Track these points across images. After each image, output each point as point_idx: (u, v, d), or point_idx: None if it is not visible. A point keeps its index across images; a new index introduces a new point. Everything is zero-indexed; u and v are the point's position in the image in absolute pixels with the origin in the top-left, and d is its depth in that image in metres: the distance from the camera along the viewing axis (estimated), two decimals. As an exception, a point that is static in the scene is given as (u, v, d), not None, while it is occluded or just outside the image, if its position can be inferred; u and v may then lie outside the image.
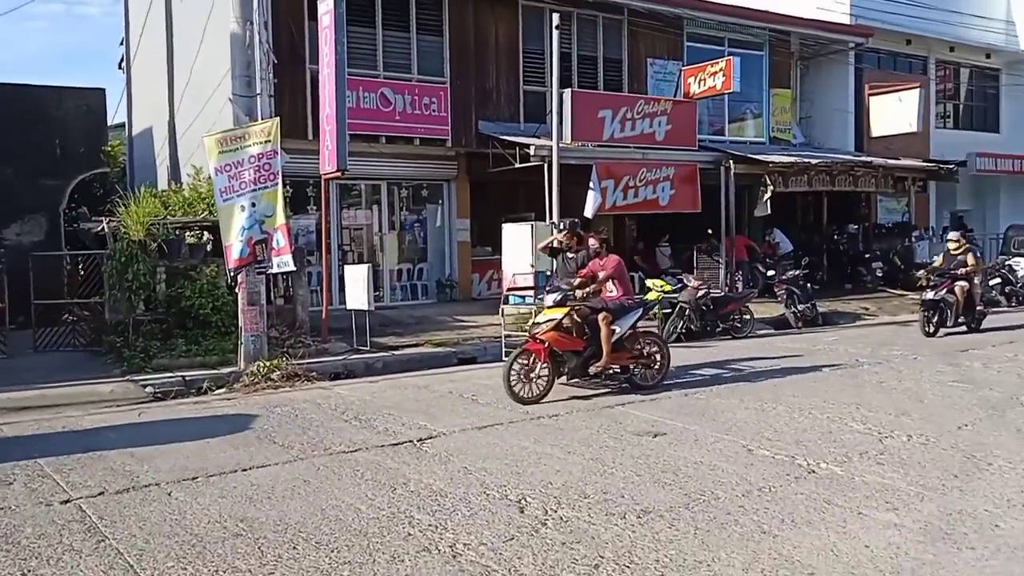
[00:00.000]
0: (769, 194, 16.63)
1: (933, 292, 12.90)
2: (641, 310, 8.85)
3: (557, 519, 4.82)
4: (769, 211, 16.92)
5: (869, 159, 18.52)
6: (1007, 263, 18.48)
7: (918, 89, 19.63)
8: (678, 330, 13.11)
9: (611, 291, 8.72)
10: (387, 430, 7.06)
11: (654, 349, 8.81)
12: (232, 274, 10.05)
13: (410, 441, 6.66)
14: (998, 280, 17.83)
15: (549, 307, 8.35)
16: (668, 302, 13.33)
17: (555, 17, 13.62)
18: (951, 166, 20.28)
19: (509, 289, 14.47)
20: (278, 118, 10.16)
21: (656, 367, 8.75)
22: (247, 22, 10.23)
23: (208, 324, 10.88)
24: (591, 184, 14.77)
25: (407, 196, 16.21)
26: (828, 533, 4.57)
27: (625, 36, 17.30)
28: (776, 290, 15.39)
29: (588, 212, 14.93)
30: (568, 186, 14.48)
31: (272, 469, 5.92)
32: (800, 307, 14.91)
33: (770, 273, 16.37)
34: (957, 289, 12.82)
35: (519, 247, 14.22)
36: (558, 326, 8.18)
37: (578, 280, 8.76)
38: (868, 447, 6.31)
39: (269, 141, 9.86)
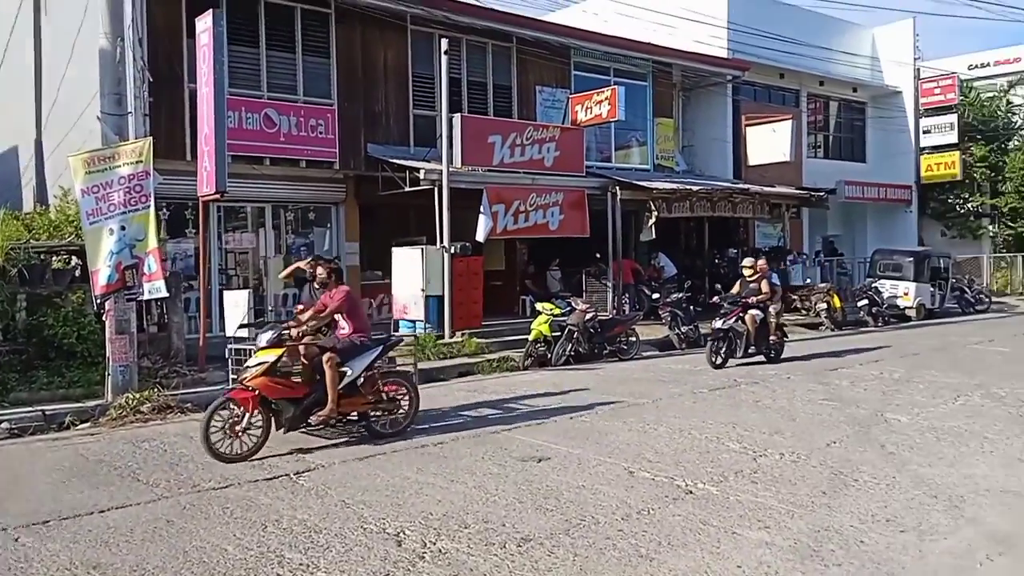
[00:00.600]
0: (654, 219, 17.08)
1: (722, 320, 12.25)
2: (379, 349, 7.69)
3: (435, 551, 4.70)
4: (654, 236, 17.39)
5: (746, 186, 19.34)
6: (873, 285, 19.65)
7: (790, 121, 20.68)
8: (567, 353, 13.23)
9: (343, 328, 7.74)
10: (262, 463, 6.77)
11: (400, 392, 7.82)
12: (99, 301, 9.49)
13: (286, 475, 6.41)
14: (865, 301, 18.93)
15: (262, 348, 7.14)
16: (557, 325, 13.46)
17: (444, 42, 13.64)
18: (821, 193, 21.43)
19: (399, 317, 14.32)
20: (151, 138, 9.73)
21: (402, 412, 7.78)
22: (117, 38, 9.77)
23: (73, 354, 10.21)
24: (482, 208, 14.79)
25: (294, 219, 15.77)
26: (703, 554, 4.64)
27: (514, 63, 17.50)
28: (661, 312, 15.79)
29: (480, 236, 14.95)
30: (460, 210, 14.48)
31: (133, 509, 5.56)
32: (684, 329, 15.35)
33: (655, 296, 16.81)
34: (748, 318, 12.16)
35: (409, 272, 14.07)
36: (270, 369, 6.99)
37: (307, 314, 7.75)
38: (743, 466, 6.49)
39: (141, 161, 9.41)
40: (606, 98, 16.48)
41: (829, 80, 26.43)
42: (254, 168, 13.89)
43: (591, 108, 16.77)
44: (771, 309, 12.40)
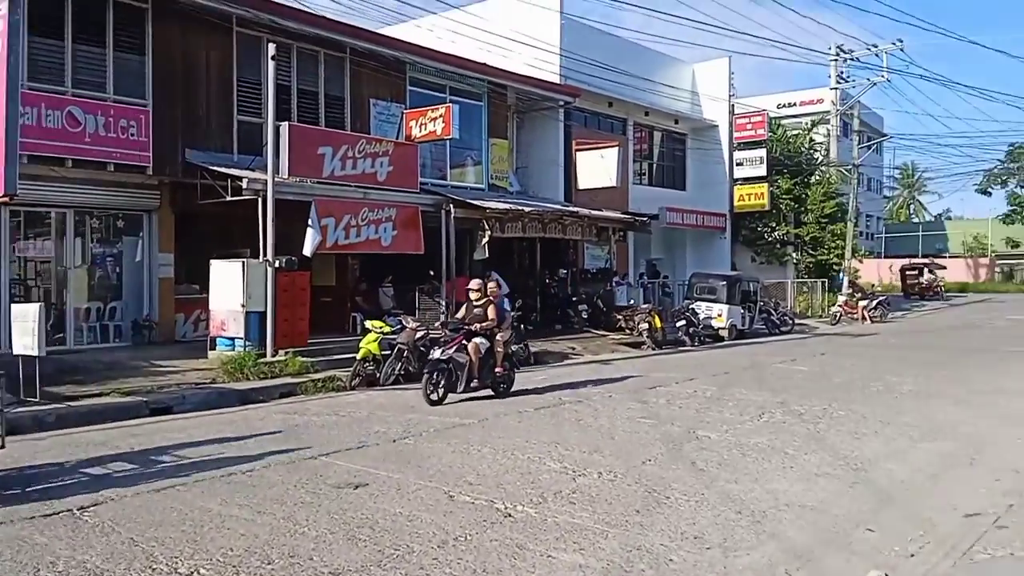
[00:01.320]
0: (487, 238, 17.20)
1: (440, 350, 10.78)
2: None
3: (232, 592, 4.33)
4: (488, 254, 17.47)
5: (575, 209, 19.89)
6: (691, 307, 20.70)
7: (617, 148, 21.53)
8: (396, 372, 12.96)
9: None
10: (44, 497, 6.06)
11: None
12: None
13: (69, 510, 5.75)
14: (684, 322, 19.91)
15: None
16: (387, 344, 13.16)
17: (271, 47, 13.09)
18: (645, 218, 22.42)
19: (216, 334, 13.50)
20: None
21: None
22: None
23: None
24: (310, 222, 14.26)
25: (101, 227, 14.59)
26: (517, 581, 4.55)
27: (348, 74, 17.12)
28: (491, 331, 15.80)
29: (307, 250, 14.39)
30: (288, 223, 13.90)
31: None
32: (513, 348, 15.42)
33: (487, 315, 16.80)
34: (471, 347, 10.73)
35: (229, 286, 13.33)
36: None
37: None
38: (562, 486, 6.50)
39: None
40: (440, 115, 16.43)
41: (653, 111, 27.84)
42: (54, 170, 12.72)
43: (425, 124, 16.66)
44: (499, 337, 11.18)
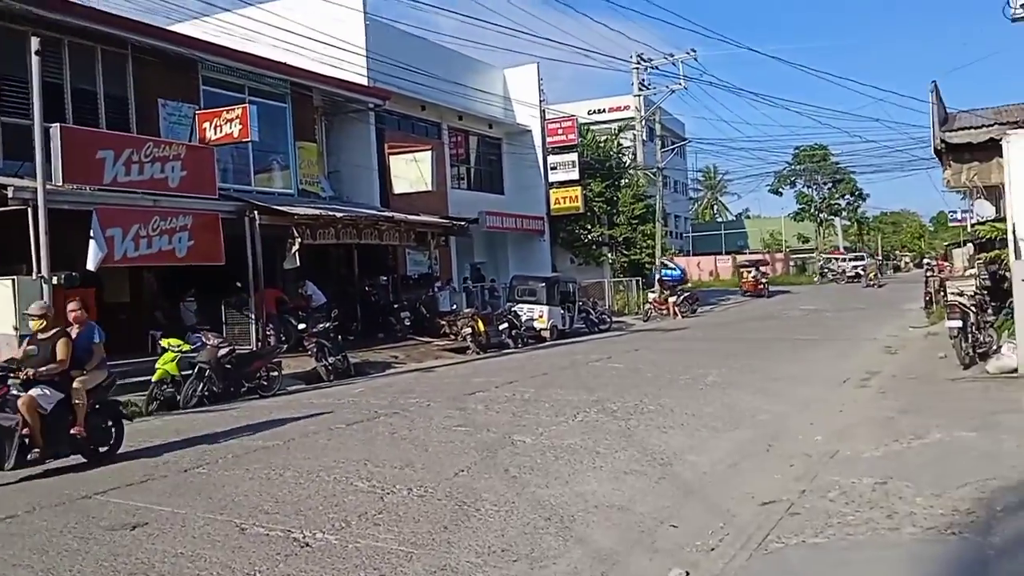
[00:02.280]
0: (297, 246, 16.37)
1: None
2: None
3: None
4: (298, 263, 16.64)
5: (391, 214, 19.45)
6: (513, 309, 20.82)
7: (430, 151, 21.31)
8: (199, 393, 12.04)
9: None
10: None
11: None
12: None
13: None
14: (506, 325, 19.97)
15: None
16: (188, 363, 12.19)
17: (35, 41, 11.70)
18: (463, 223, 22.32)
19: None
20: None
21: None
22: None
23: None
24: (92, 233, 12.93)
25: None
26: (306, 622, 4.12)
27: (131, 73, 15.74)
28: (306, 344, 15.13)
29: (91, 265, 13.03)
30: (67, 235, 12.50)
31: None
32: (331, 360, 14.85)
33: (301, 327, 16.05)
34: (23, 403, 7.40)
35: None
36: None
37: None
38: (368, 507, 6.10)
39: None
40: (237, 116, 15.46)
41: (467, 115, 27.90)
42: None
43: (221, 126, 15.61)
44: (76, 385, 7.81)
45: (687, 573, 4.66)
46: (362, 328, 19.91)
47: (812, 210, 63.55)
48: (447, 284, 23.80)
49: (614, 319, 26.33)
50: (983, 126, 13.25)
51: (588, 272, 32.32)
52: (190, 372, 12.11)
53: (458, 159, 29.41)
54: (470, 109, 27.44)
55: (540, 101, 31.12)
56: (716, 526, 5.59)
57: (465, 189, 29.29)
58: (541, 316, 21.34)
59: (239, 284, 16.19)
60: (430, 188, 21.23)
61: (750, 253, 60.65)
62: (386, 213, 19.54)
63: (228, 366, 12.53)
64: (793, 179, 62.33)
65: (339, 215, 17.41)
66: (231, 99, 17.18)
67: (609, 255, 33.18)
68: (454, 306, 21.19)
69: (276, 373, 13.23)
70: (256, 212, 15.85)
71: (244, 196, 16.90)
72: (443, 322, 19.74)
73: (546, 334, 21.18)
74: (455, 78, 25.27)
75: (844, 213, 66.28)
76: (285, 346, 15.20)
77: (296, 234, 16.34)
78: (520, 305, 21.39)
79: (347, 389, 12.90)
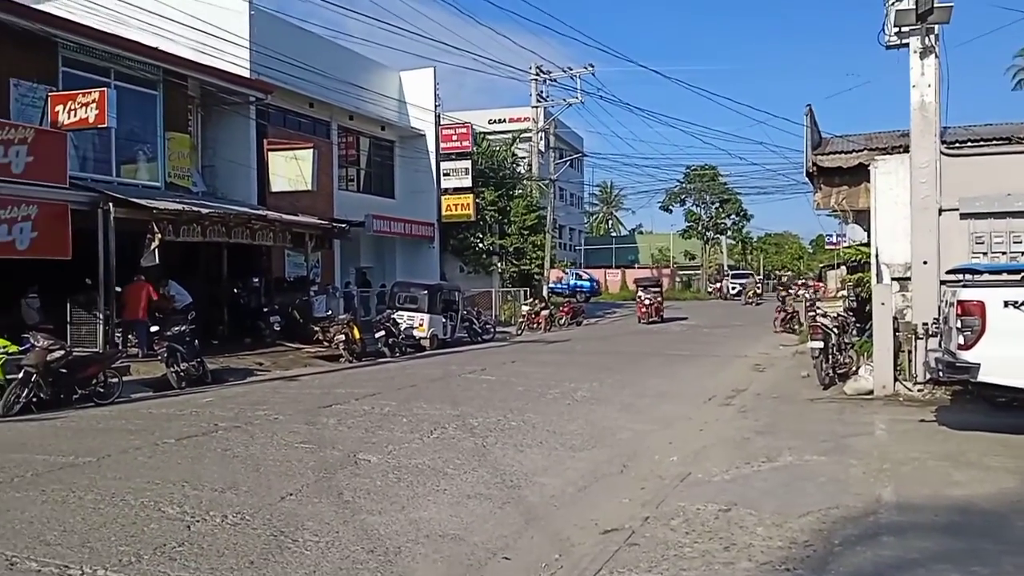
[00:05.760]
0: (157, 243, 15.29)
1: None
2: None
3: None
4: (157, 261, 15.52)
5: (265, 213, 18.50)
6: (392, 316, 20.14)
7: (312, 149, 20.44)
8: (23, 399, 10.93)
9: None
10: None
11: None
12: None
13: None
14: (383, 332, 19.29)
15: None
16: (14, 366, 11.07)
17: None
18: (344, 225, 21.54)
19: None
20: None
21: None
22: None
23: None
24: (-89, 219, 11.63)
25: None
26: None
27: (-24, 47, 14.40)
28: (156, 348, 14.10)
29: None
30: None
31: None
32: (184, 365, 13.85)
33: (154, 328, 14.95)
34: None
35: None
36: None
37: None
38: (170, 538, 5.43)
39: None
40: (93, 100, 14.30)
41: (359, 116, 27.09)
42: None
43: (75, 110, 14.41)
44: None
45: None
46: (228, 332, 18.84)
47: (700, 228, 65.34)
48: (327, 288, 22.96)
49: (499, 329, 26.02)
50: (853, 151, 13.57)
51: (477, 281, 31.98)
52: (16, 376, 11.01)
53: (347, 160, 28.55)
54: (362, 109, 26.66)
55: (436, 106, 30.61)
56: (551, 558, 5.22)
57: (354, 191, 28.46)
58: (421, 324, 20.76)
59: (88, 281, 15.01)
60: (310, 187, 20.34)
61: (639, 268, 61.85)
62: (260, 212, 18.56)
63: (62, 370, 11.45)
64: (683, 197, 63.94)
65: (205, 211, 16.37)
66: (95, 83, 15.86)
67: (499, 264, 32.96)
68: (329, 311, 20.36)
69: (116, 379, 12.18)
70: (111, 204, 14.75)
71: (103, 187, 15.69)
72: (317, 328, 18.90)
73: (426, 343, 20.60)
74: (348, 77, 24.50)
75: (730, 232, 68.45)
76: (123, 351, 14.10)
77: (156, 230, 15.28)
78: (400, 312, 20.74)
79: (196, 398, 11.99)
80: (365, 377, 15.06)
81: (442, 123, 30.82)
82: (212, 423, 9.72)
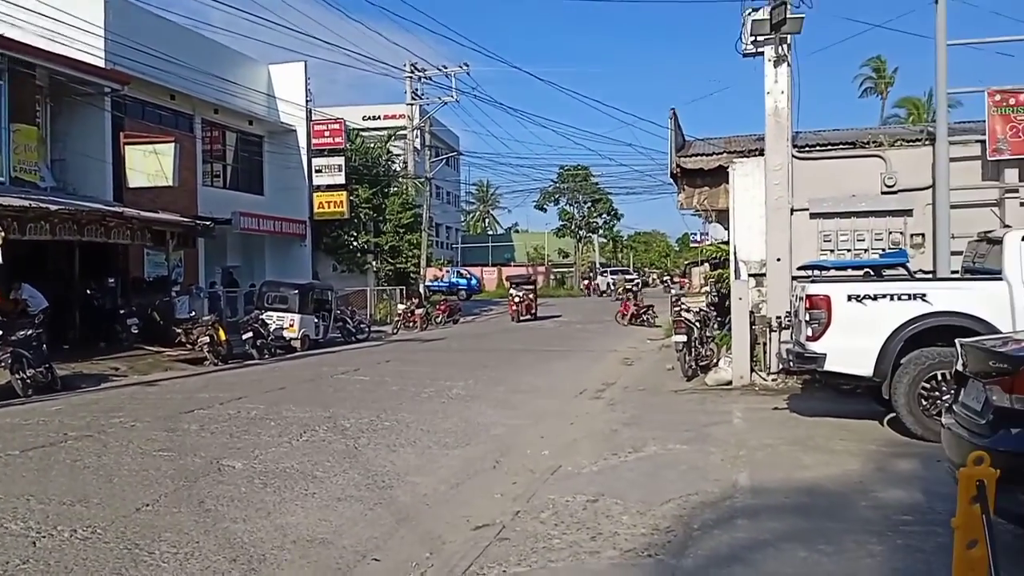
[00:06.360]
0: (0, 242, 14.19)
1: None
2: None
3: None
4: (1, 261, 14.41)
5: (121, 210, 17.49)
6: (260, 317, 19.50)
7: (173, 143, 19.53)
8: None
9: None
10: None
11: None
12: None
13: None
14: (251, 334, 18.64)
15: None
16: None
17: None
18: (208, 223, 20.68)
19: None
20: None
21: None
22: None
23: None
24: None
25: None
26: None
27: None
28: (-1, 354, 13.06)
29: None
30: None
31: None
32: (31, 372, 12.89)
33: (-2, 333, 13.84)
34: None
35: None
36: None
37: None
38: (13, 555, 5.06)
39: None
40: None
41: (225, 109, 26.13)
42: None
43: None
44: None
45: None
46: (80, 336, 17.71)
47: (573, 227, 66.76)
48: (191, 289, 21.98)
49: (374, 329, 25.72)
50: (714, 154, 14.23)
51: (352, 280, 31.45)
52: None
53: (213, 155, 27.46)
54: (228, 103, 25.70)
55: (307, 101, 29.90)
56: (422, 557, 5.19)
57: (220, 187, 27.41)
58: (292, 325, 20.20)
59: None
60: (171, 183, 19.41)
61: (515, 266, 62.57)
62: (115, 208, 17.54)
63: None
64: (557, 197, 65.13)
65: (54, 208, 15.33)
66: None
67: (374, 263, 32.54)
68: (192, 312, 19.48)
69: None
70: (-58, 199, 13.56)
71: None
72: (179, 330, 18.04)
73: (296, 344, 20.06)
74: (213, 69, 23.54)
75: (601, 231, 70.31)
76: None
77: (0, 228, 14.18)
78: (270, 313, 20.11)
79: (44, 406, 11.21)
80: (231, 380, 14.53)
81: (314, 118, 30.13)
82: (61, 432, 9.11)
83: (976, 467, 3.33)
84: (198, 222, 20.17)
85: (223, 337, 17.60)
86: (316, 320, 21.45)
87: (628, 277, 54.44)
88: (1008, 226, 10.67)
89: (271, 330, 19.47)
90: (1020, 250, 8.10)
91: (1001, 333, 7.15)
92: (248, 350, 18.40)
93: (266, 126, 28.95)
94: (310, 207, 29.58)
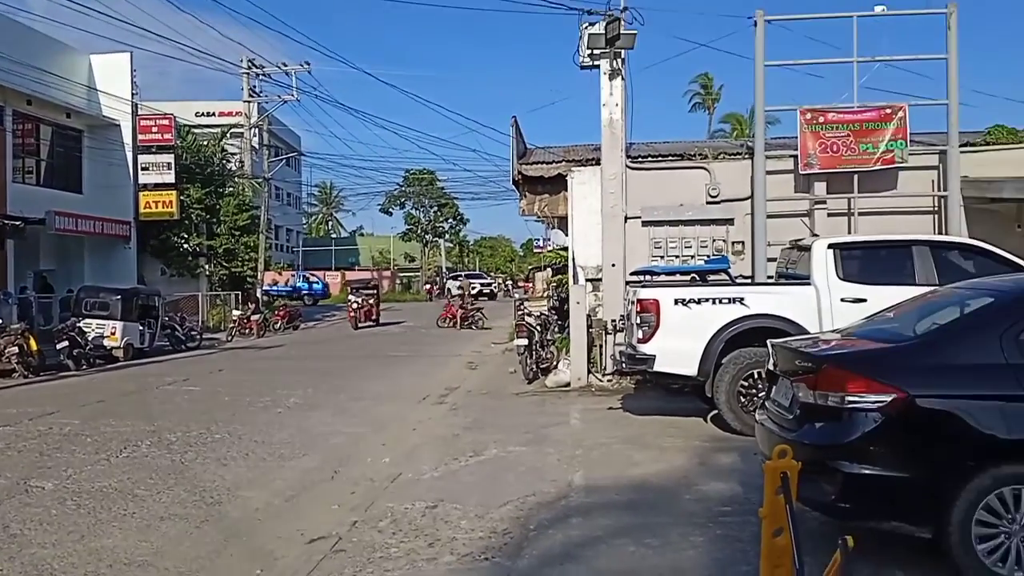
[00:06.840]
0: None
1: None
2: None
3: None
4: None
5: (-88, 207, 15.75)
6: (78, 325, 18.07)
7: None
8: None
9: None
10: None
11: None
12: None
13: None
14: (67, 343, 17.23)
15: None
16: None
17: None
18: (17, 222, 19.04)
19: None
20: None
21: None
22: None
23: None
24: None
25: None
26: None
27: None
28: None
29: None
30: None
31: None
32: None
33: None
34: None
35: None
36: None
37: None
38: None
39: None
40: None
41: (40, 100, 24.10)
42: None
43: None
44: None
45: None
46: None
47: (419, 231, 66.59)
48: (5, 295, 20.07)
49: (207, 336, 24.49)
50: (554, 162, 14.60)
51: (182, 284, 29.79)
52: None
53: (25, 150, 25.21)
54: (43, 94, 23.65)
55: (133, 94, 28.02)
56: (252, 574, 4.98)
57: (32, 184, 25.21)
58: (113, 333, 18.84)
59: None
60: (-27, 179, 17.65)
61: (360, 270, 61.59)
62: (-96, 205, 15.75)
63: None
64: (403, 200, 64.76)
65: None
66: None
67: (207, 267, 30.99)
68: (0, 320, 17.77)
69: None
70: None
71: None
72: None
73: (119, 353, 18.74)
74: (25, 57, 21.67)
75: (448, 235, 70.56)
76: None
77: None
78: (88, 320, 18.67)
79: None
80: (43, 393, 13.39)
81: (140, 113, 28.29)
82: None
83: (780, 460, 3.57)
84: (6, 222, 18.45)
85: (34, 347, 16.18)
86: (141, 327, 20.12)
87: (484, 281, 54.64)
88: (816, 235, 11.65)
89: (90, 339, 18.09)
90: (826, 257, 8.83)
91: (810, 334, 7.75)
92: (64, 361, 16.99)
93: (86, 120, 26.92)
94: (136, 207, 27.73)
